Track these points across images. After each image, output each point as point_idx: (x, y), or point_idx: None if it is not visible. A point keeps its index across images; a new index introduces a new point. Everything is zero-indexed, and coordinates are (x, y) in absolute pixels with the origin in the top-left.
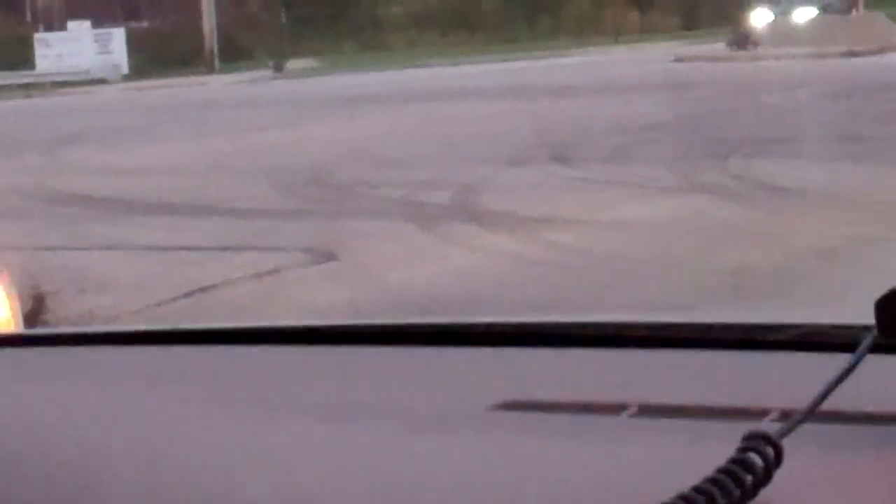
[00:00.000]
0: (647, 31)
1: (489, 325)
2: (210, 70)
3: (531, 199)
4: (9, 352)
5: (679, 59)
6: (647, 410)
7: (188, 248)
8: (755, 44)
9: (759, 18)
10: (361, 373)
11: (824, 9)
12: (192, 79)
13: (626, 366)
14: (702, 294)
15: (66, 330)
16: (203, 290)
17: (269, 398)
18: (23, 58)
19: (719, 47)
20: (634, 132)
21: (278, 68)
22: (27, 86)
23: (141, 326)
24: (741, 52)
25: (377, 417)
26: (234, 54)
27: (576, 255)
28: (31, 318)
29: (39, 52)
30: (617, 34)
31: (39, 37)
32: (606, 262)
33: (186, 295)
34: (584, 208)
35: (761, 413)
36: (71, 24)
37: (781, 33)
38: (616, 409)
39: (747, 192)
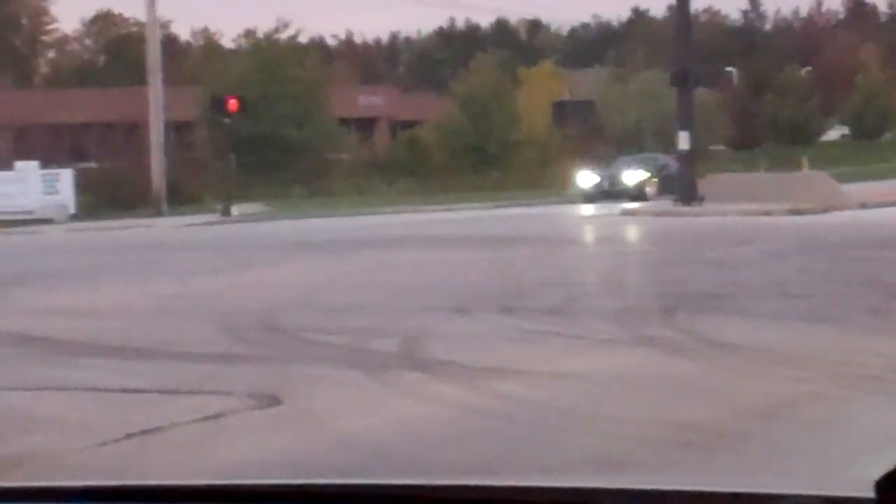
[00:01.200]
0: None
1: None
2: (158, 212)
3: (476, 348)
4: None
5: (626, 213)
6: None
7: (133, 391)
8: (701, 199)
9: (584, 180)
10: None
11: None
12: (140, 220)
13: None
14: (654, 448)
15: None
16: (146, 432)
17: None
18: None
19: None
20: (580, 284)
21: (227, 212)
22: None
23: (78, 482)
24: (686, 208)
25: None
26: (182, 197)
27: (521, 405)
28: None
29: None
30: (563, 188)
31: None
32: (553, 414)
33: (129, 436)
34: (529, 359)
35: None
36: (18, 164)
37: (726, 190)
38: None
39: (694, 346)
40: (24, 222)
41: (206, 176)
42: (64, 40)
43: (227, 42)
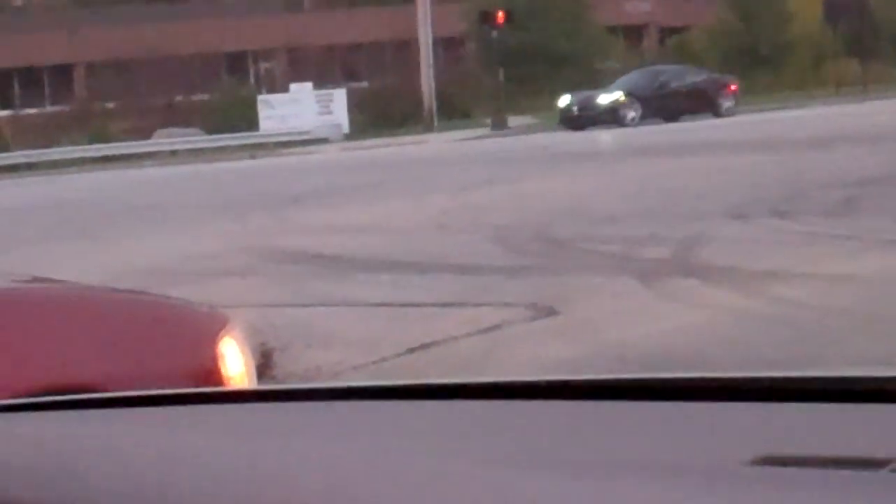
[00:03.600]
0: (869, 83)
1: (735, 380)
2: (429, 128)
3: (752, 253)
4: (244, 407)
5: None
6: None
7: (411, 305)
8: None
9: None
10: (609, 428)
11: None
12: (412, 137)
13: (882, 421)
14: None
15: (297, 385)
16: (426, 346)
17: (514, 453)
18: (246, 119)
19: None
20: (858, 185)
21: (498, 125)
22: (251, 146)
23: (369, 382)
24: None
25: (634, 472)
26: (452, 112)
27: (800, 308)
28: (259, 373)
29: (263, 113)
30: (837, 86)
31: (262, 98)
32: (833, 317)
33: (410, 351)
34: (807, 262)
35: None
36: (293, 86)
37: None
38: (876, 464)
39: None
40: (300, 143)
41: (475, 90)
42: None
43: None
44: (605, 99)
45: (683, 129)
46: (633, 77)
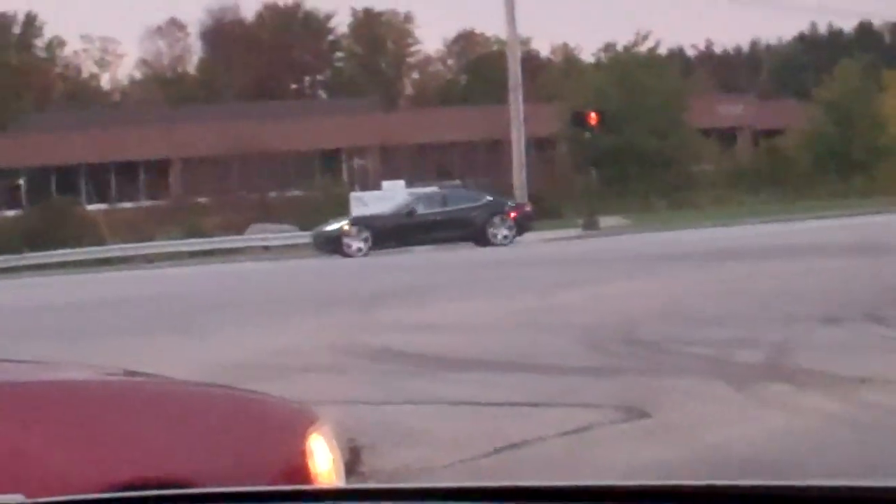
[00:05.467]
0: None
1: (823, 489)
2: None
3: (844, 358)
4: None
5: None
6: None
7: (499, 404)
8: None
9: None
10: None
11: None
12: None
13: None
14: None
15: (385, 485)
16: (514, 446)
17: None
18: (338, 215)
19: None
20: None
21: (589, 226)
22: None
23: (457, 483)
24: None
25: None
26: (544, 212)
27: (892, 415)
28: (347, 470)
29: (355, 209)
30: None
31: (355, 195)
32: None
33: (497, 451)
34: None
35: None
36: (385, 183)
37: None
38: None
39: None
40: None
41: (567, 190)
42: (427, 61)
43: (587, 56)
44: (331, 227)
45: (769, 232)
46: (397, 202)
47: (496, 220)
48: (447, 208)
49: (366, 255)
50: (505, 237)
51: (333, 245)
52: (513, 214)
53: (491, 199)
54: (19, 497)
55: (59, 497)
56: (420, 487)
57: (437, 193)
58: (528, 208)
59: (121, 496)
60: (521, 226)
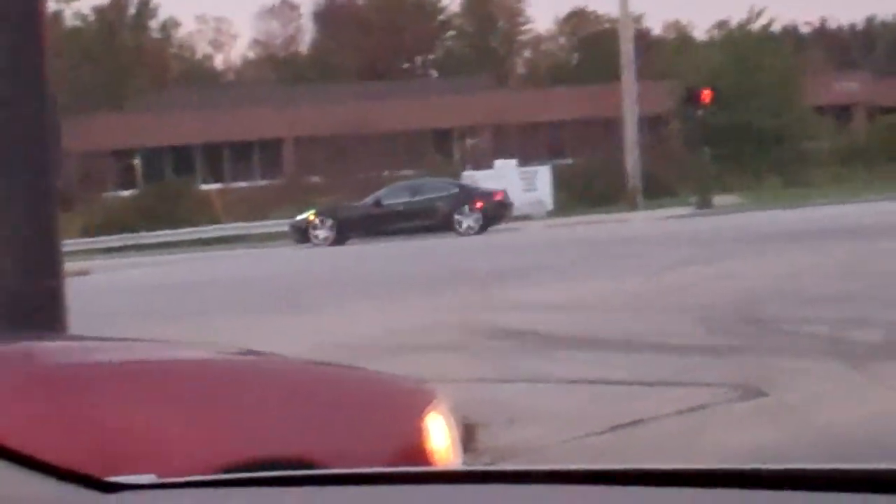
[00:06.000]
0: None
1: None
2: (633, 207)
3: None
4: (452, 488)
5: None
6: None
7: (614, 383)
8: None
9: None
10: None
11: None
12: (616, 215)
13: None
14: None
15: (505, 467)
16: (629, 424)
17: None
18: None
19: None
20: None
21: (703, 204)
22: None
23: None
24: None
25: None
26: (656, 191)
27: None
28: (462, 447)
29: None
30: None
31: (467, 174)
32: None
33: (613, 429)
34: None
35: None
36: (497, 163)
37: None
38: None
39: None
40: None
41: (679, 169)
42: (538, 39)
43: (699, 34)
44: (300, 217)
45: (885, 210)
46: (379, 193)
47: (463, 209)
48: (414, 198)
49: (331, 244)
50: (469, 227)
51: (302, 234)
52: (479, 204)
53: (459, 189)
54: (151, 477)
55: (190, 477)
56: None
57: (405, 184)
58: (498, 198)
59: (248, 477)
60: (490, 216)
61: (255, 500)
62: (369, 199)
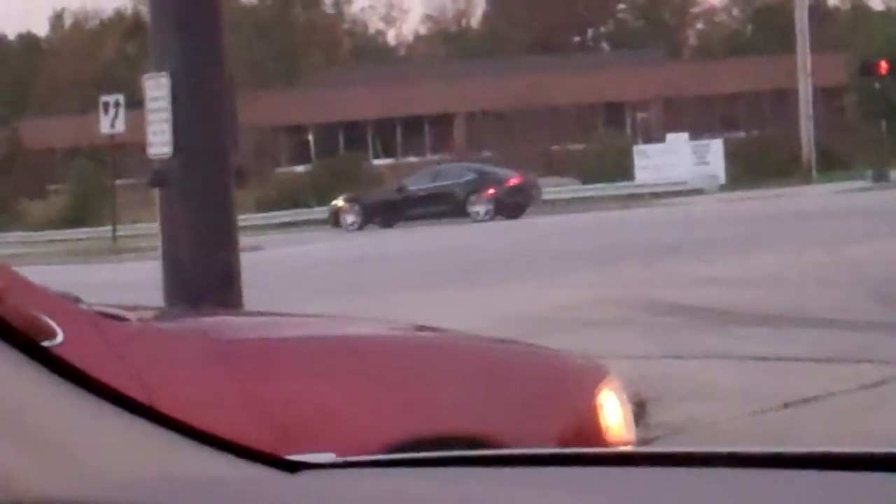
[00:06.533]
0: None
1: None
2: (807, 180)
3: None
4: (627, 471)
5: None
6: None
7: (788, 359)
8: None
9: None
10: None
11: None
12: (788, 189)
13: None
14: None
15: (681, 449)
16: (803, 400)
17: None
18: (621, 169)
19: None
20: None
21: (879, 177)
22: (625, 197)
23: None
24: None
25: None
26: (830, 164)
27: None
28: (634, 424)
29: (638, 163)
30: None
31: (638, 148)
32: None
33: (786, 405)
34: None
35: None
36: (669, 136)
37: None
38: None
39: None
40: (676, 193)
41: (855, 142)
42: (712, 11)
43: (876, 4)
44: (334, 203)
45: None
46: (406, 179)
47: (473, 197)
48: (433, 184)
49: (359, 229)
50: (481, 213)
51: (335, 218)
52: (491, 191)
53: (475, 176)
54: (331, 455)
55: (372, 456)
56: (718, 452)
57: (428, 171)
58: (513, 183)
59: (430, 456)
60: (503, 204)
61: (437, 480)
62: (397, 186)
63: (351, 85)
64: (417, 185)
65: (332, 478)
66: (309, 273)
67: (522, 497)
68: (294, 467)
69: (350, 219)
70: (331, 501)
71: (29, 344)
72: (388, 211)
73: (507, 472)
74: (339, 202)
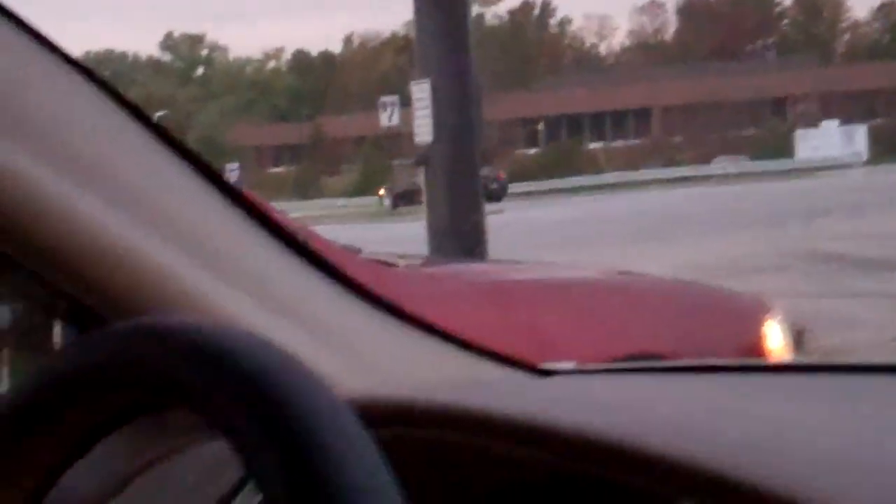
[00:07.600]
0: None
1: None
2: None
3: None
4: (782, 379)
5: None
6: None
7: None
8: None
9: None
10: None
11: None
12: None
13: None
14: None
15: (830, 361)
16: None
17: None
18: (783, 150)
19: None
20: None
21: None
22: (789, 171)
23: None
24: None
25: None
26: None
27: None
28: (793, 349)
29: (801, 144)
30: None
31: (800, 132)
32: None
33: None
34: None
35: None
36: (823, 123)
37: None
38: None
39: None
40: (827, 168)
41: None
42: (856, 24)
43: None
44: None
45: None
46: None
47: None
48: None
49: (391, 209)
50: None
51: (380, 202)
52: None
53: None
54: (572, 364)
55: (605, 364)
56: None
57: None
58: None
59: (647, 365)
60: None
61: (658, 383)
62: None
63: (571, 87)
64: None
65: (576, 381)
66: (539, 231)
67: (725, 397)
68: (546, 373)
69: (386, 202)
70: (578, 399)
71: (332, 268)
72: (407, 197)
73: (710, 377)
74: (380, 190)
